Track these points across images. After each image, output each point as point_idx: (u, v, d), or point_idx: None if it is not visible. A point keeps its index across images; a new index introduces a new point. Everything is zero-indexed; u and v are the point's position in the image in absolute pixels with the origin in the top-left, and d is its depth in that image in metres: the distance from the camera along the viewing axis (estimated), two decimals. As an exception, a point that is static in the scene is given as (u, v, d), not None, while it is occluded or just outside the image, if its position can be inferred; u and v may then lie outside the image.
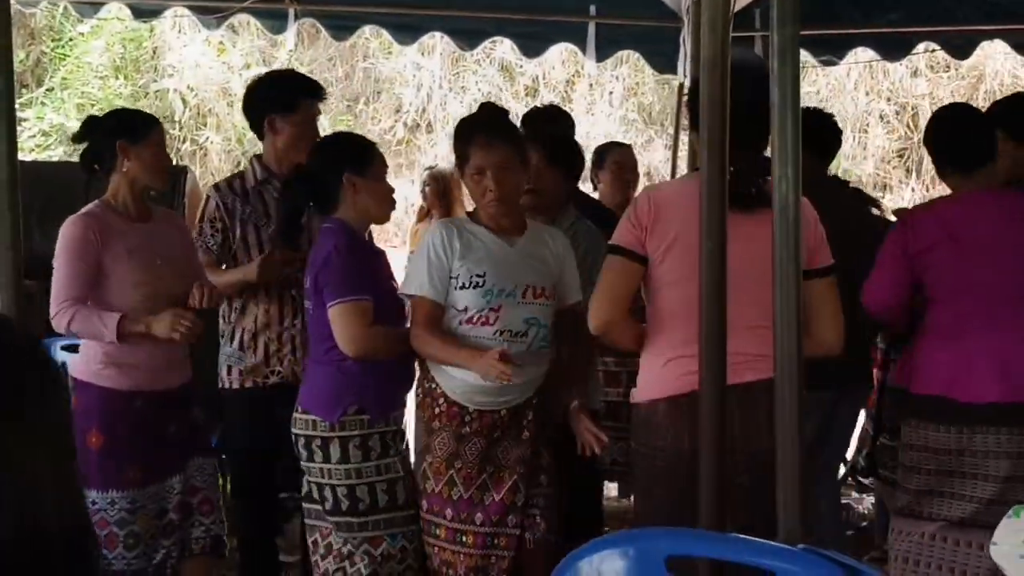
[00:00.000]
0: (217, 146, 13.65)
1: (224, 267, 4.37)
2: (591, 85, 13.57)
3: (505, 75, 13.37)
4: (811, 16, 6.52)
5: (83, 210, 4.00)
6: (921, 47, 6.90)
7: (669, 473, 3.13)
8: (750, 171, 3.14)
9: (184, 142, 13.73)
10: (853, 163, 14.39)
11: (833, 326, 3.28)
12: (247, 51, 13.22)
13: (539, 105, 5.86)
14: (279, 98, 4.40)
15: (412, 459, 4.04)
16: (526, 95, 13.35)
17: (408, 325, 3.89)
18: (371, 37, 7.17)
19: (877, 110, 14.36)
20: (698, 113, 3.03)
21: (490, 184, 3.71)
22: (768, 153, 2.99)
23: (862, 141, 14.47)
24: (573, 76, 13.31)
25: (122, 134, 3.96)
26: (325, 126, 4.74)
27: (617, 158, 6.09)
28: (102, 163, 4.01)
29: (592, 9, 6.63)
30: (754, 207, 3.10)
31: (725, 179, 2.30)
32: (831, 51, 6.84)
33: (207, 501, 4.07)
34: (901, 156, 14.60)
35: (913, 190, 13.98)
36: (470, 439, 3.71)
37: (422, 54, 10.48)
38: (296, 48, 9.48)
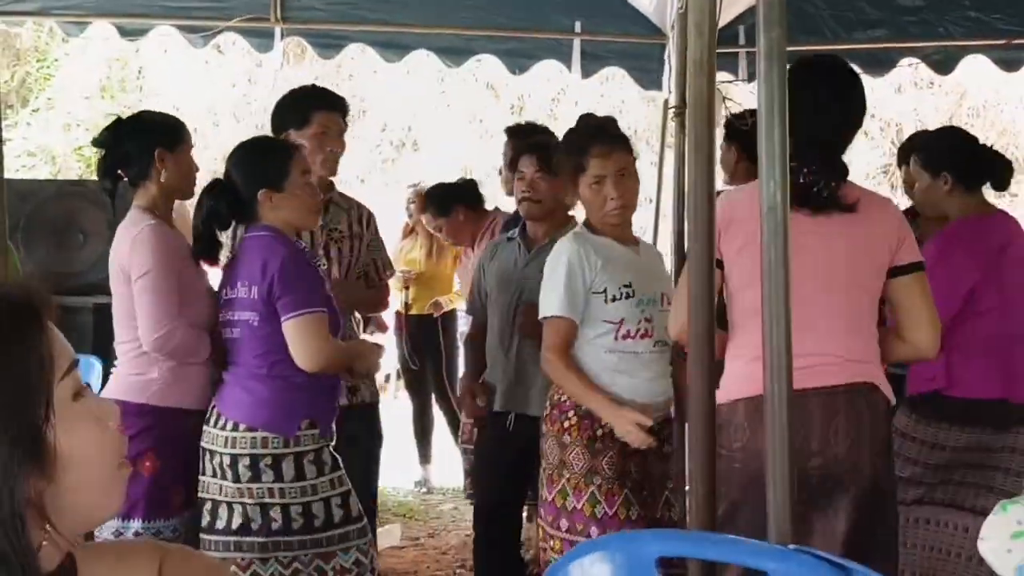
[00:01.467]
0: (202, 166, 13.63)
1: None
2: (576, 102, 13.61)
3: (491, 92, 13.41)
4: (794, 32, 6.62)
5: (144, 219, 3.67)
6: (904, 62, 6.93)
7: (745, 473, 3.06)
8: (823, 173, 3.12)
9: (170, 162, 13.69)
10: (838, 180, 14.44)
11: (922, 324, 3.14)
12: (233, 70, 13.24)
13: (520, 123, 5.89)
14: (293, 113, 4.31)
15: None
16: (512, 112, 13.39)
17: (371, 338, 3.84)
18: (356, 56, 7.17)
19: (862, 127, 14.43)
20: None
21: (611, 192, 3.69)
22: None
23: (847, 158, 14.53)
24: (558, 94, 13.36)
25: (161, 140, 3.72)
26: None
27: None
28: (130, 170, 3.74)
29: (577, 26, 6.65)
30: (823, 209, 3.10)
31: (713, 179, 2.34)
32: (815, 67, 6.87)
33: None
34: (885, 172, 14.66)
35: (898, 206, 14.03)
36: (634, 457, 3.65)
37: (407, 72, 10.50)
38: (282, 67, 9.50)
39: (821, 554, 1.73)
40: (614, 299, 3.66)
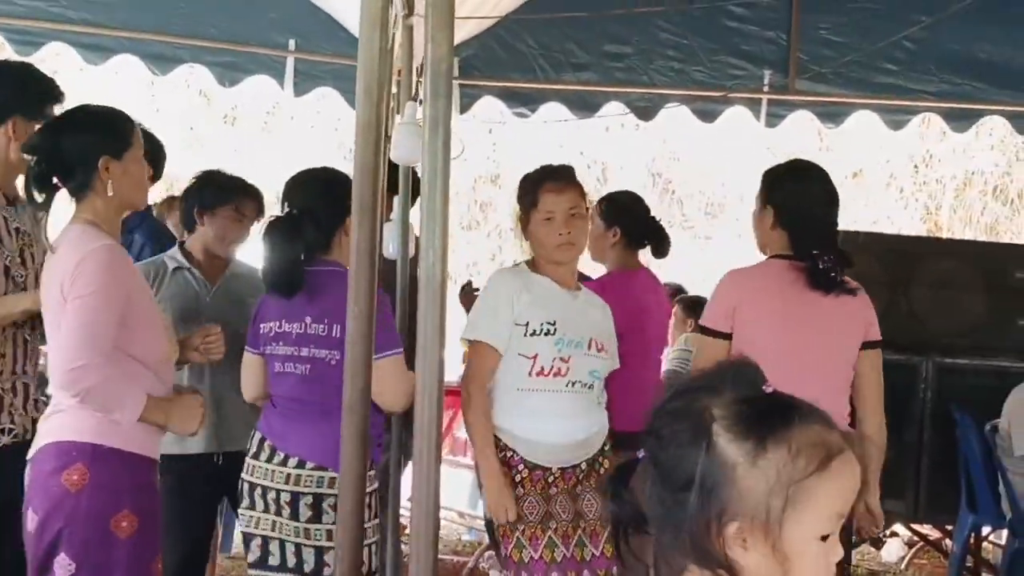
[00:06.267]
0: None
1: None
2: (292, 117, 13.45)
3: (204, 99, 13.09)
4: (508, 70, 6.73)
5: (97, 237, 3.05)
6: (610, 106, 7.17)
7: None
8: (837, 261, 3.72)
9: None
10: (545, 213, 14.79)
11: (876, 395, 3.79)
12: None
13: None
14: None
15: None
16: (224, 121, 13.10)
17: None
18: (61, 52, 6.81)
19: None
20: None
21: (561, 227, 3.75)
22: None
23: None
24: (273, 107, 13.16)
25: (106, 145, 3.11)
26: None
27: None
28: (70, 181, 3.10)
29: (291, 44, 6.58)
30: (833, 290, 3.69)
31: (375, 245, 2.26)
32: (524, 104, 7.02)
33: None
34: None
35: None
36: (557, 498, 3.68)
37: (116, 73, 10.11)
38: (-23, 58, 8.97)
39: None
40: (533, 333, 3.70)
